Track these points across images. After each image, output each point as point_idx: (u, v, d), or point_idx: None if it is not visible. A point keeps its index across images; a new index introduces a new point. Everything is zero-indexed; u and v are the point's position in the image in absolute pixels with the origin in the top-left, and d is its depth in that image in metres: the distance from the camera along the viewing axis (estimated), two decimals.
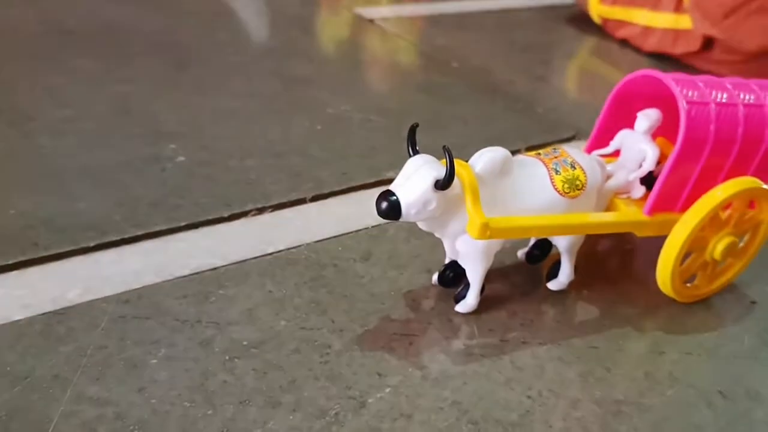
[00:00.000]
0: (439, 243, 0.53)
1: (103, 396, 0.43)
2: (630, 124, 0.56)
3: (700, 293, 0.57)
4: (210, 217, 0.61)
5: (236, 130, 0.78)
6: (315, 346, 0.49)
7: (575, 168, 0.51)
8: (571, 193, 0.51)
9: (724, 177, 0.53)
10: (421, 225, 0.49)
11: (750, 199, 0.54)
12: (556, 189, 0.50)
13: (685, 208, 0.52)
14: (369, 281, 0.55)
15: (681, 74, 0.53)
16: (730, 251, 0.55)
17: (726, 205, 0.53)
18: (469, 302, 0.53)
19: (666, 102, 0.55)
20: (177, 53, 0.96)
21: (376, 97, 0.92)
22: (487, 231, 0.47)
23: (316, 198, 0.66)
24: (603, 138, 0.58)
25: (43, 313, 0.49)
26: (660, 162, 0.55)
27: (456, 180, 0.46)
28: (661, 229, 0.54)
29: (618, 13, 1.19)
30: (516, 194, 0.49)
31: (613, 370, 0.49)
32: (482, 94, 0.94)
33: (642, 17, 1.15)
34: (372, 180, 0.69)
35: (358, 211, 0.65)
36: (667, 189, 0.52)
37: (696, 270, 0.56)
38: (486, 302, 0.54)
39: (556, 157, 0.51)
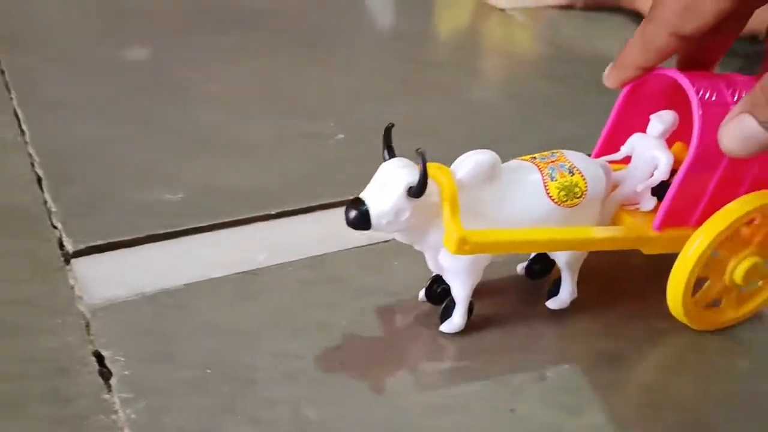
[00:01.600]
0: None
1: (301, 352, 0.46)
2: (643, 127, 0.50)
3: (723, 320, 0.50)
4: None
5: (378, 109, 0.80)
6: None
7: (574, 174, 0.46)
8: (568, 202, 0.46)
9: (748, 188, 0.48)
10: (397, 236, 0.45)
11: None
12: (550, 197, 0.45)
13: (700, 222, 0.47)
14: None
15: (702, 72, 0.48)
16: (756, 274, 0.49)
17: (748, 220, 0.47)
18: (455, 322, 0.48)
19: (685, 103, 0.48)
20: (310, 34, 1.00)
21: (512, 85, 0.93)
22: (465, 245, 0.42)
23: None
24: (613, 142, 0.52)
25: (237, 273, 0.52)
26: (675, 170, 0.49)
27: (436, 187, 0.43)
28: (672, 245, 0.48)
29: None
30: (505, 203, 0.45)
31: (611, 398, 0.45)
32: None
33: None
34: None
35: None
36: (679, 201, 0.47)
37: (716, 296, 0.50)
38: (477, 322, 0.49)
39: (552, 162, 0.47)
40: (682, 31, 0.43)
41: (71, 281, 0.50)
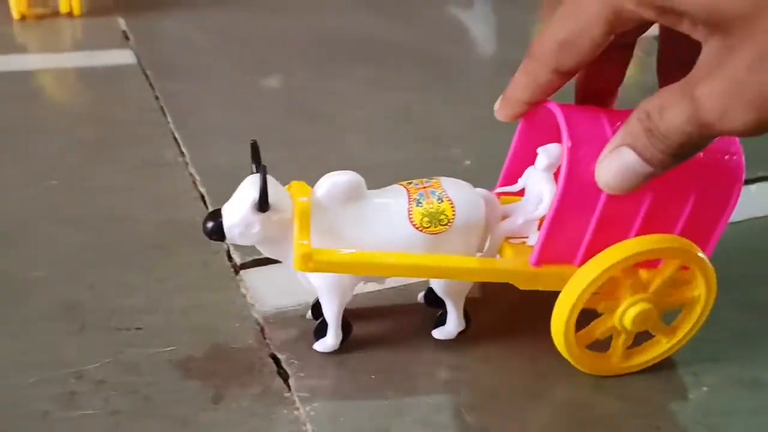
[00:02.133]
0: None
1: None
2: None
3: (609, 367, 0.49)
4: None
5: (501, 139, 0.84)
6: None
7: (442, 201, 0.45)
8: (431, 229, 0.45)
9: (643, 228, 0.45)
10: (263, 251, 0.46)
11: (678, 265, 0.46)
12: (412, 222, 0.45)
13: (584, 261, 0.45)
14: None
15: (589, 106, 0.46)
16: (647, 322, 0.47)
17: (641, 263, 0.45)
18: (328, 342, 0.49)
19: None
20: (433, 65, 1.05)
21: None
22: (308, 262, 0.43)
23: None
24: (513, 173, 0.50)
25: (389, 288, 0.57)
26: None
27: (291, 204, 0.44)
28: (552, 283, 0.46)
29: None
30: (366, 225, 0.45)
31: None
32: None
33: None
34: None
35: None
36: (555, 238, 0.45)
37: (602, 335, 0.48)
38: (360, 343, 0.50)
39: (425, 188, 0.46)
40: (562, 68, 0.42)
41: (243, 290, 0.56)
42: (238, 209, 0.43)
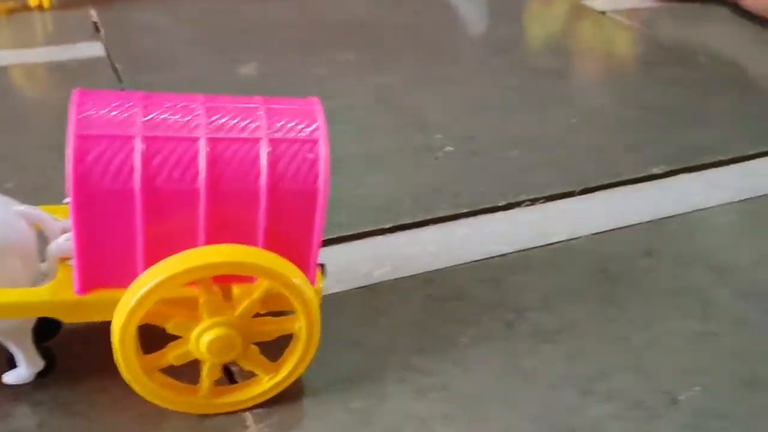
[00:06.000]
0: None
1: (427, 367, 0.46)
2: None
3: (196, 402, 0.40)
4: (487, 206, 0.63)
5: (494, 121, 0.80)
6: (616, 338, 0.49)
7: None
8: None
9: (212, 240, 0.37)
10: None
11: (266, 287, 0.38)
12: None
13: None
14: (656, 277, 0.55)
15: (124, 92, 0.39)
16: (230, 353, 0.39)
17: (226, 278, 0.38)
18: (20, 373, 0.42)
19: None
20: (422, 47, 1.00)
21: (628, 92, 0.90)
22: None
23: (584, 191, 0.66)
24: None
25: (358, 288, 0.53)
26: None
27: None
28: (104, 312, 0.38)
29: None
30: None
31: None
32: (737, 90, 0.89)
33: None
34: (640, 175, 0.69)
35: (626, 206, 0.64)
36: (93, 258, 0.37)
37: (177, 360, 0.39)
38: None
39: None
40: None
41: None
42: None
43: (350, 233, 0.59)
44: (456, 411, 0.43)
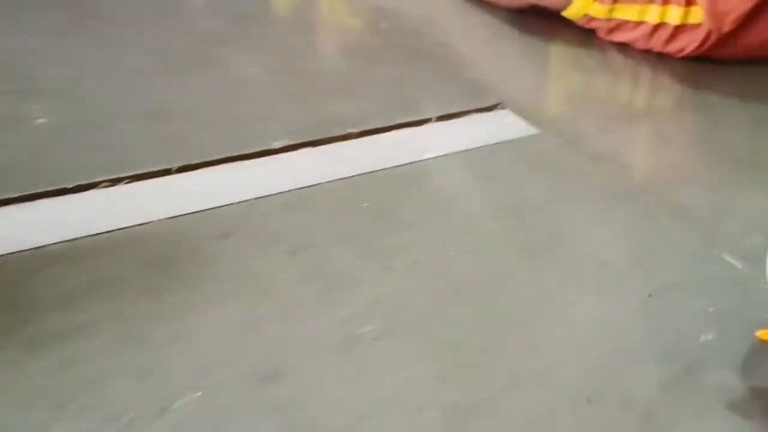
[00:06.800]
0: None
1: None
2: None
3: None
4: (50, 189, 0.54)
5: (123, 89, 0.71)
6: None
7: None
8: None
9: None
10: None
11: None
12: None
13: None
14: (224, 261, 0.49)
15: None
16: None
17: None
18: None
19: None
20: (80, 5, 0.89)
21: (291, 59, 0.84)
22: None
23: (183, 169, 0.59)
24: None
25: None
26: None
27: None
28: None
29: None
30: None
31: None
32: (408, 58, 0.86)
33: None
34: (255, 150, 0.63)
35: (228, 184, 0.58)
36: None
37: None
38: None
39: None
40: None
41: None
42: None
43: None
44: None
